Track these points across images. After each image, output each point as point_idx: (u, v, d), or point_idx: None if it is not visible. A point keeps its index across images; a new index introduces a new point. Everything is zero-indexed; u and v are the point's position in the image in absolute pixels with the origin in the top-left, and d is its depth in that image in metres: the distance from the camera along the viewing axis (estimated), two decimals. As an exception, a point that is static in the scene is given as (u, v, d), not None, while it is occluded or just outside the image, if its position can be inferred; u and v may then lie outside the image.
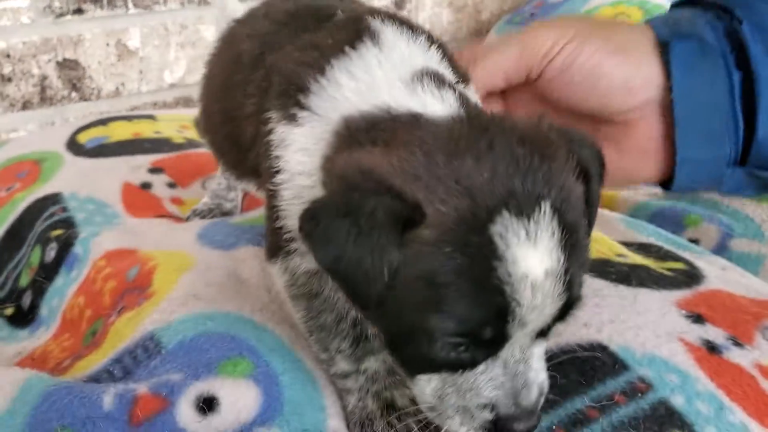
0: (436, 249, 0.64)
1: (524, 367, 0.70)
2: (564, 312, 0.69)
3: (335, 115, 0.79)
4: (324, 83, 0.81)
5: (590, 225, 0.75)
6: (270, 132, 0.85)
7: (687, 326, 0.91)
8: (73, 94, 1.94)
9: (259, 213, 1.30)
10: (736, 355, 0.88)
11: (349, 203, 0.65)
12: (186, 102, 2.08)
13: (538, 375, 0.71)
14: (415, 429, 0.78)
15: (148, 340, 0.93)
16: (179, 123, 1.79)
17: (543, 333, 0.71)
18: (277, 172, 0.83)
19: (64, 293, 1.22)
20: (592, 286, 1.00)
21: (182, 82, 2.06)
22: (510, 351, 0.69)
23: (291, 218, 0.83)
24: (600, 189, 0.77)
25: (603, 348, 0.85)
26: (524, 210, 0.64)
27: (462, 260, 0.64)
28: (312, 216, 0.67)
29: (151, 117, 1.81)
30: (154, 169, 1.54)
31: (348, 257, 0.64)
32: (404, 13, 2.34)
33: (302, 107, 0.82)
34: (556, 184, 0.67)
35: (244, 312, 0.96)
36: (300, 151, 0.81)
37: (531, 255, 0.64)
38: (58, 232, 1.32)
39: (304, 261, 0.85)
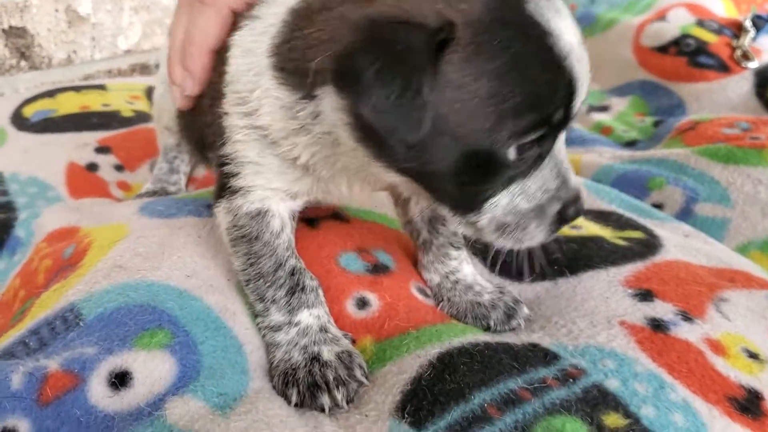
0: (483, 45, 0.64)
1: (563, 156, 0.73)
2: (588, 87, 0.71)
3: (275, 10, 0.81)
4: None
5: None
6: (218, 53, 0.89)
7: (631, 306, 0.89)
8: (23, 63, 1.87)
9: (206, 191, 1.25)
10: (684, 331, 0.85)
11: (375, 40, 0.64)
12: (142, 69, 2.01)
13: (570, 166, 0.75)
14: (331, 379, 0.77)
15: (68, 311, 0.89)
16: (130, 93, 1.72)
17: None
18: (224, 86, 0.85)
19: (6, 277, 1.18)
20: (526, 293, 0.98)
21: (138, 48, 1.99)
22: (558, 142, 0.72)
23: (237, 141, 0.83)
24: None
25: (534, 345, 0.83)
26: None
27: (513, 44, 0.64)
28: (345, 62, 0.64)
29: (101, 87, 1.74)
30: (101, 149, 1.48)
31: (392, 92, 0.62)
32: None
33: (244, 17, 0.86)
34: None
35: (171, 280, 0.92)
36: (243, 53, 0.83)
37: (567, 26, 0.66)
38: (-1, 215, 1.28)
39: (246, 201, 0.86)
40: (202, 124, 0.97)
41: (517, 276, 1.00)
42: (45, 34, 1.87)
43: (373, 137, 0.71)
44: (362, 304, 0.89)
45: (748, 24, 1.73)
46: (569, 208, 0.72)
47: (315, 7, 0.75)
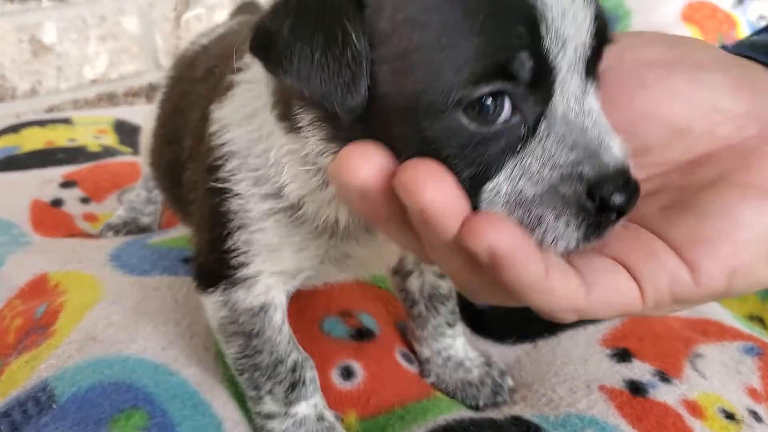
0: None
1: (589, 120, 0.54)
2: (601, 33, 0.55)
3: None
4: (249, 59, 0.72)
5: None
6: (208, 123, 0.75)
7: (610, 368, 0.89)
8: (-14, 95, 1.82)
9: (179, 234, 1.22)
10: (662, 393, 0.86)
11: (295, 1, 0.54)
12: (109, 98, 1.97)
13: (609, 132, 0.55)
14: None
15: (40, 390, 0.87)
16: (97, 127, 1.69)
17: (592, 75, 0.56)
18: (222, 161, 0.73)
19: (-29, 331, 1.15)
20: (507, 357, 0.97)
21: (104, 77, 1.95)
22: (564, 102, 0.54)
23: (255, 230, 0.72)
24: None
25: (517, 418, 0.82)
26: None
27: None
28: (257, 29, 0.55)
29: (67, 121, 1.70)
30: (67, 183, 1.45)
31: (315, 48, 0.52)
32: None
33: (234, 83, 0.74)
34: None
35: (146, 354, 0.90)
36: (244, 119, 0.72)
37: None
38: (-40, 257, 1.25)
39: (249, 295, 0.77)
40: (183, 193, 0.87)
41: (499, 338, 1.00)
42: (9, 65, 1.83)
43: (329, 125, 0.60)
44: (347, 374, 0.88)
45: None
46: (604, 188, 0.52)
47: None
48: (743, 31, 1.96)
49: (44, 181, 1.44)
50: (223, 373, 0.87)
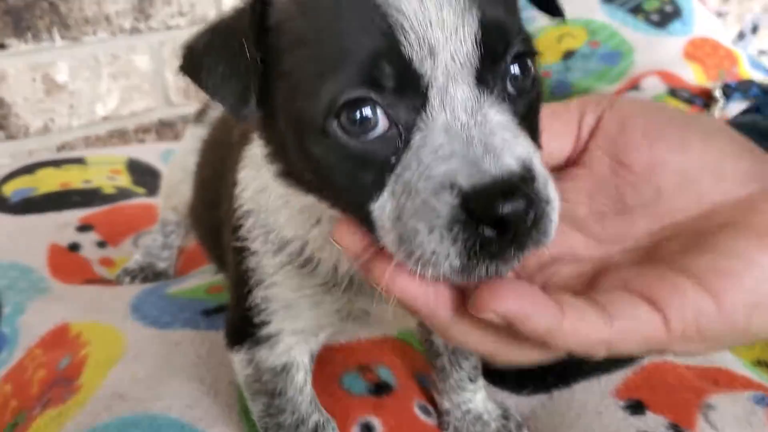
0: (290, 5, 0.58)
1: (480, 131, 0.51)
2: (492, 44, 0.54)
3: None
4: None
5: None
6: (235, 184, 0.80)
7: (623, 421, 0.91)
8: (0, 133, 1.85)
9: (197, 282, 1.25)
10: (677, 448, 0.87)
11: (209, 24, 0.62)
12: (120, 135, 2.00)
13: (508, 143, 0.51)
14: None
15: (69, 450, 0.89)
16: (110, 167, 1.71)
17: (491, 85, 0.54)
18: (242, 221, 0.77)
19: (-9, 376, 1.16)
20: (523, 408, 0.99)
21: (115, 114, 1.98)
22: (448, 111, 0.52)
23: (271, 285, 0.76)
24: None
25: None
26: None
27: None
28: (184, 50, 0.62)
29: (80, 161, 1.73)
30: (83, 227, 1.47)
31: (219, 61, 0.57)
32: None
33: (253, 142, 0.78)
34: None
35: (173, 412, 0.91)
36: (255, 176, 0.76)
37: None
38: (-21, 303, 1.27)
39: (272, 354, 0.80)
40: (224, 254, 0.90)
41: (516, 388, 1.02)
42: (22, 103, 1.86)
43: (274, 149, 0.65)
44: (367, 430, 0.90)
45: (717, 93, 1.79)
46: (478, 199, 0.48)
47: None
48: (745, 67, 1.99)
49: (61, 225, 1.46)
50: (246, 430, 0.89)
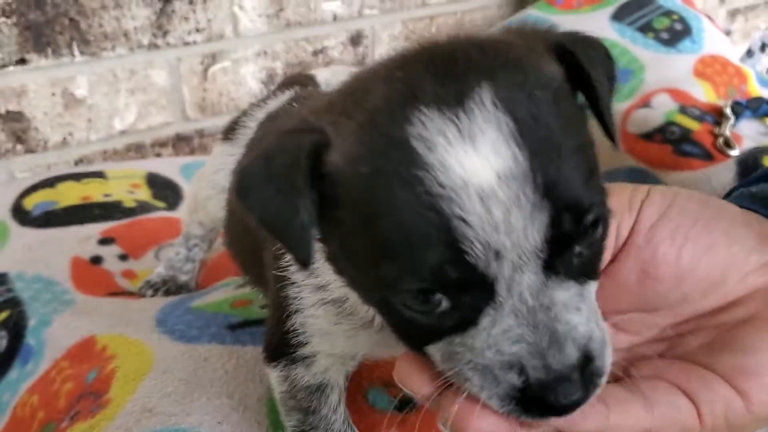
0: (349, 173, 0.53)
1: (546, 317, 0.53)
2: (568, 228, 0.53)
3: None
4: None
5: (611, 138, 0.62)
6: None
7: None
8: (18, 147, 1.87)
9: (221, 296, 1.27)
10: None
11: (263, 153, 0.57)
12: (137, 149, 2.02)
13: (573, 328, 0.54)
14: None
15: (101, 463, 0.91)
16: (130, 181, 1.74)
17: (559, 267, 0.55)
18: (283, 251, 0.77)
19: (17, 388, 1.19)
20: None
21: (133, 128, 2.00)
22: (515, 296, 0.53)
23: (309, 316, 0.77)
24: (610, 95, 0.62)
25: None
26: (451, 101, 0.51)
27: (380, 180, 0.51)
28: (239, 175, 0.59)
29: (100, 175, 1.75)
30: (105, 240, 1.50)
31: (268, 209, 0.56)
32: (360, 49, 2.31)
33: None
34: (502, 72, 0.54)
35: (203, 427, 0.93)
36: None
37: (469, 155, 0.50)
38: (4, 315, 1.29)
39: (308, 373, 0.81)
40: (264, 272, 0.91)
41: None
42: (41, 118, 1.88)
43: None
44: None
45: (728, 111, 1.81)
46: (545, 392, 0.53)
47: None
48: (754, 85, 2.01)
49: (83, 238, 1.49)
50: (275, 448, 0.91)
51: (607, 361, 0.56)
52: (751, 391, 0.61)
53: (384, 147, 0.52)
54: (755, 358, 0.62)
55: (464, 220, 0.50)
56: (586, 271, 0.57)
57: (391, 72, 0.56)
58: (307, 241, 0.55)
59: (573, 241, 0.54)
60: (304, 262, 0.57)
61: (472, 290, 0.53)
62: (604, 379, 0.56)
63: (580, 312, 0.55)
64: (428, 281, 0.52)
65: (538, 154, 0.51)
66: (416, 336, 0.58)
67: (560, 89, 0.56)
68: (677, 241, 0.65)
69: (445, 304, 0.54)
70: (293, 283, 0.77)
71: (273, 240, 0.76)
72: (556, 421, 0.57)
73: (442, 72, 0.53)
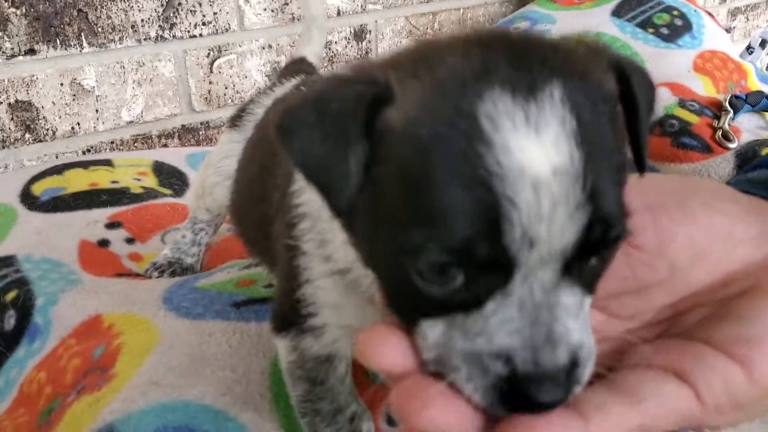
0: (407, 133, 0.53)
1: (548, 315, 0.53)
2: (596, 237, 0.53)
3: None
4: None
5: (641, 165, 0.62)
6: (292, 180, 0.80)
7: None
8: (27, 136, 1.90)
9: (225, 276, 1.29)
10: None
11: (316, 96, 0.57)
12: (144, 139, 2.05)
13: (569, 333, 0.54)
14: None
15: (106, 434, 0.93)
16: (137, 169, 1.77)
17: (573, 272, 0.55)
18: (297, 220, 0.78)
19: (24, 365, 1.21)
20: None
21: (140, 119, 2.03)
22: (526, 288, 0.53)
23: (318, 287, 0.78)
24: (648, 123, 0.62)
25: None
26: (523, 89, 0.52)
27: (437, 146, 0.51)
28: (285, 114, 0.58)
29: (108, 163, 1.78)
30: (112, 224, 1.53)
31: (313, 153, 0.55)
32: (364, 44, 2.34)
33: None
34: (572, 75, 0.55)
35: (206, 399, 0.95)
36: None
37: (531, 143, 0.50)
38: (12, 294, 1.31)
39: (317, 344, 0.82)
40: (271, 244, 0.91)
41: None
42: (50, 107, 1.91)
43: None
44: (392, 419, 0.94)
45: (727, 105, 1.83)
46: (530, 385, 0.52)
47: None
48: (754, 80, 2.04)
49: (90, 222, 1.51)
50: (279, 419, 0.93)
51: (588, 372, 0.56)
52: (752, 358, 0.55)
53: (450, 116, 0.52)
54: (756, 326, 0.57)
55: (513, 203, 0.50)
56: (590, 283, 0.58)
57: (468, 47, 0.57)
58: (348, 190, 0.55)
59: (596, 251, 0.55)
60: (339, 211, 0.57)
61: (491, 273, 0.53)
62: (580, 389, 0.55)
63: (577, 320, 0.56)
64: (456, 254, 0.52)
65: (590, 160, 0.52)
66: (418, 308, 0.57)
67: (615, 106, 0.58)
68: (654, 211, 0.63)
69: (460, 280, 0.53)
70: (304, 253, 0.78)
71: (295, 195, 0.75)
72: None
73: (518, 60, 0.54)
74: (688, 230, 0.64)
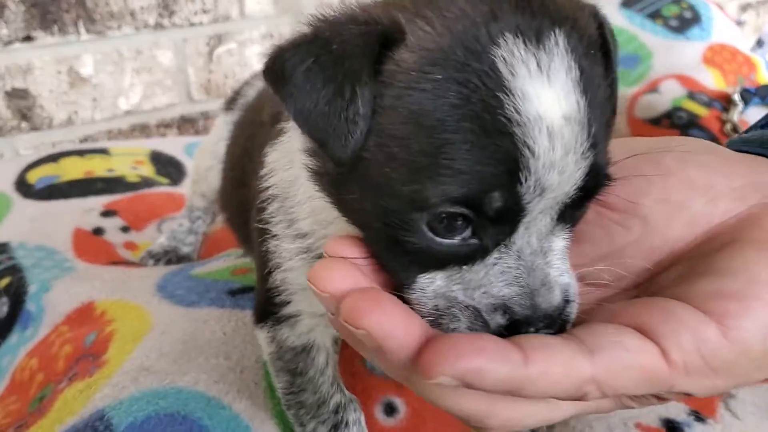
0: (421, 76, 0.51)
1: (543, 261, 0.55)
2: (589, 186, 0.54)
3: None
4: None
5: (613, 111, 0.61)
6: (263, 162, 0.78)
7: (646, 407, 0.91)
8: (23, 124, 1.87)
9: (221, 265, 1.26)
10: (698, 433, 0.88)
11: (310, 39, 0.55)
12: (142, 129, 2.02)
13: (561, 276, 0.56)
14: None
15: (98, 420, 0.90)
16: (133, 158, 1.73)
17: (564, 217, 0.57)
18: (266, 204, 0.76)
19: (16, 352, 1.19)
20: None
21: (138, 109, 2.00)
22: (525, 237, 0.54)
23: (289, 269, 0.75)
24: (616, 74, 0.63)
25: None
26: (534, 35, 0.51)
27: (455, 91, 0.50)
28: (276, 57, 0.55)
29: (104, 151, 1.75)
30: (107, 212, 1.50)
31: (312, 98, 0.53)
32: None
33: (284, 129, 0.75)
34: (572, 23, 0.54)
35: (199, 386, 0.93)
36: (286, 164, 0.73)
37: (546, 91, 0.50)
38: (4, 281, 1.29)
39: (293, 334, 0.81)
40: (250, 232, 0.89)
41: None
42: (47, 95, 1.88)
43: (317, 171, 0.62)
44: (390, 410, 0.91)
45: (736, 98, 1.80)
46: (524, 327, 0.54)
47: None
48: (764, 74, 2.00)
49: (85, 210, 1.49)
50: (272, 408, 0.90)
51: (575, 308, 0.57)
52: (728, 314, 0.50)
53: (466, 58, 0.51)
54: (737, 280, 0.52)
55: (531, 150, 0.50)
56: (574, 227, 0.59)
57: None
58: (356, 135, 0.53)
59: (590, 197, 0.56)
60: (340, 159, 0.54)
61: (500, 223, 0.53)
62: (569, 326, 0.56)
63: (565, 261, 0.57)
64: (472, 204, 0.51)
65: (592, 107, 0.52)
66: (421, 261, 0.56)
67: (599, 53, 0.58)
68: (625, 170, 0.59)
69: (466, 232, 0.54)
70: (274, 236, 0.76)
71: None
72: (456, 365, 0.47)
73: (522, 6, 0.54)
74: (662, 184, 0.62)
